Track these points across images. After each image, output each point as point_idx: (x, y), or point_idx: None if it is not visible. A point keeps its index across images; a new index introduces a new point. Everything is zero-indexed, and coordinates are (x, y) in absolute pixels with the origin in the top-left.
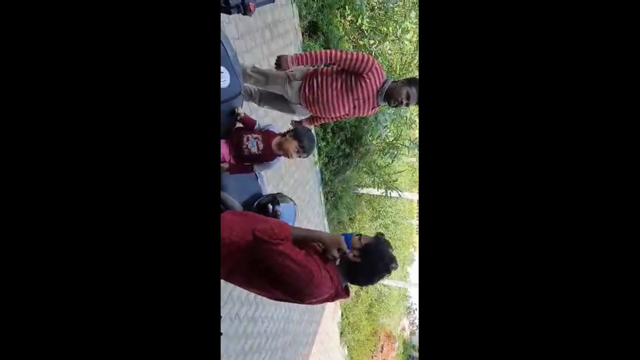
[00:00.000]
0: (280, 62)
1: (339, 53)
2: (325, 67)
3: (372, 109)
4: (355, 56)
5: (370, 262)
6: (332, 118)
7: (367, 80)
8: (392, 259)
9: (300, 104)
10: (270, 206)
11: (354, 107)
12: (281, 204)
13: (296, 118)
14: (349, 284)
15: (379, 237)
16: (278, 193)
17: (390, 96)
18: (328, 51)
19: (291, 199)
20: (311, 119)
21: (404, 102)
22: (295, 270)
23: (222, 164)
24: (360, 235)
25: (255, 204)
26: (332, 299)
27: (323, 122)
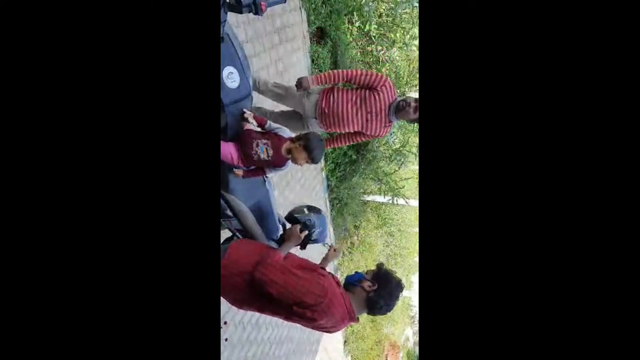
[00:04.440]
0: (301, 83)
1: (354, 71)
2: (342, 86)
3: (384, 127)
4: (369, 72)
5: (385, 286)
6: (345, 140)
7: (380, 94)
8: (399, 278)
9: (315, 117)
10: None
11: (367, 121)
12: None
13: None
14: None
15: (380, 265)
16: (307, 206)
17: (402, 114)
18: (345, 70)
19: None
20: (327, 142)
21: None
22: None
23: (237, 171)
24: (367, 271)
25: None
26: (346, 321)
27: (336, 144)
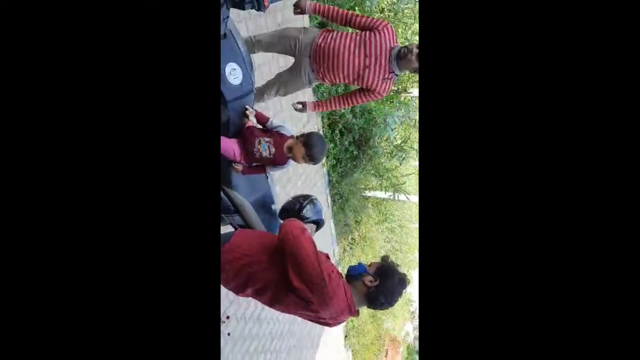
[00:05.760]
0: (299, 4)
1: (355, 14)
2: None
3: (384, 79)
4: (371, 17)
5: (387, 282)
6: (339, 102)
7: (381, 34)
8: (403, 274)
9: (309, 56)
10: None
11: (365, 67)
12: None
13: (301, 97)
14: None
15: (384, 258)
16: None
17: (404, 62)
18: (346, 10)
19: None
20: (316, 104)
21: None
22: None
23: (236, 166)
24: (371, 263)
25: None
26: (345, 313)
27: (330, 107)
